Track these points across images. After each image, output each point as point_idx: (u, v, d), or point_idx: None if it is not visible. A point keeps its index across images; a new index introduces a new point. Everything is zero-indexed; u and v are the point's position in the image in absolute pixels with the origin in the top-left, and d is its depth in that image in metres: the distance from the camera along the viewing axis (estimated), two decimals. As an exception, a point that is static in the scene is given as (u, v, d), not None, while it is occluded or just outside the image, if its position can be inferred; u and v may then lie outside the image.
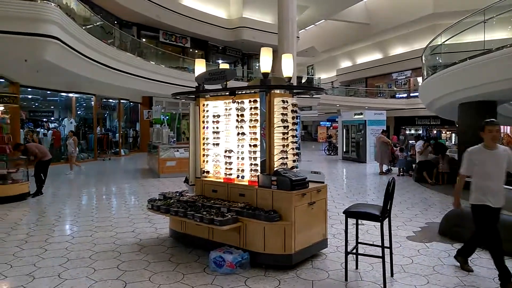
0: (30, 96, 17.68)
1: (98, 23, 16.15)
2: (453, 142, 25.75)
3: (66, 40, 11.00)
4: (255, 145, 4.67)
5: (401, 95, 34.85)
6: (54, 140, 16.06)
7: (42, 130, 16.89)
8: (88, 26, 14.45)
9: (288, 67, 4.76)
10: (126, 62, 16.79)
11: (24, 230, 6.04)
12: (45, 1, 9.98)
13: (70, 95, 17.76)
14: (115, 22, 20.93)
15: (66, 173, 12.70)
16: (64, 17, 10.71)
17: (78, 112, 19.80)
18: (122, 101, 21.44)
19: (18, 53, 10.39)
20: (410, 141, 16.99)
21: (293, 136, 4.73)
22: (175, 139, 14.12)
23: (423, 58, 12.88)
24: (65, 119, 17.67)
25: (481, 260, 4.63)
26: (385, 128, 16.31)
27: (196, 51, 26.87)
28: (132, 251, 4.97)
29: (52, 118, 19.69)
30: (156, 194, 5.65)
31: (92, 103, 18.94)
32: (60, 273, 4.19)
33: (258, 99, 4.59)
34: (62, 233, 5.91)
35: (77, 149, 14.08)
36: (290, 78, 4.78)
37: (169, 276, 4.10)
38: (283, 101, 4.61)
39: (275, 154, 4.53)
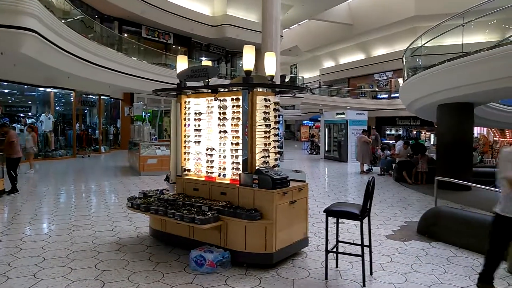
0: (6, 91, 17.15)
1: (78, 17, 15.79)
2: (432, 143, 26.34)
3: (44, 34, 10.70)
4: (237, 143, 4.65)
5: (382, 96, 35.37)
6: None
7: (18, 125, 16.38)
8: (68, 20, 14.10)
9: (271, 66, 4.75)
10: (107, 57, 16.46)
11: (-2, 229, 5.86)
12: (23, -7, 9.68)
13: (48, 90, 17.31)
14: (96, 16, 20.51)
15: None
16: (43, 9, 10.41)
17: (57, 108, 19.30)
18: (102, 97, 21.04)
19: (-6, 46, 10.06)
20: (390, 141, 17.28)
21: (275, 135, 4.73)
22: (156, 136, 13.98)
23: (404, 59, 13.10)
24: (43, 114, 17.21)
25: (458, 259, 4.74)
26: (366, 128, 16.50)
27: (179, 47, 26.60)
28: (111, 250, 4.88)
29: (30, 114, 19.14)
30: (136, 192, 5.56)
31: (72, 98, 18.51)
32: (36, 273, 4.08)
33: (241, 97, 4.56)
34: (38, 232, 5.76)
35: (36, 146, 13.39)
36: (272, 77, 4.77)
37: (148, 276, 4.04)
38: (266, 100, 4.60)
39: (257, 152, 4.53)
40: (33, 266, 4.28)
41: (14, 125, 15.97)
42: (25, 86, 16.37)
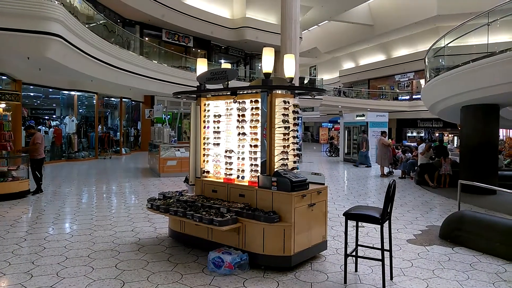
0: (32, 94, 17.71)
1: (101, 22, 16.16)
2: (455, 145, 25.68)
3: (69, 38, 11.00)
4: (255, 146, 4.65)
5: (403, 97, 34.78)
6: (55, 138, 16.06)
7: (43, 128, 16.89)
8: (91, 25, 14.44)
9: (290, 68, 4.73)
10: (129, 60, 16.79)
11: (24, 228, 6.04)
12: (48, -1, 9.99)
13: (72, 93, 17.78)
14: (118, 20, 20.95)
15: None
16: (68, 15, 10.71)
17: (80, 110, 19.82)
18: (124, 99, 21.46)
19: (21, 51, 10.38)
20: (411, 144, 16.89)
21: (294, 137, 4.71)
22: (176, 138, 14.12)
23: (426, 60, 12.84)
24: (67, 117, 17.68)
25: (481, 265, 4.59)
26: (385, 130, 16.23)
27: (199, 50, 26.87)
28: (131, 250, 4.95)
29: (54, 116, 19.71)
30: (156, 193, 5.65)
31: (94, 101, 18.96)
32: (59, 272, 4.18)
33: (260, 99, 4.56)
34: (61, 231, 5.90)
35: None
36: (292, 79, 4.76)
37: (167, 276, 4.08)
38: (285, 102, 4.58)
39: (275, 155, 4.51)
40: (56, 265, 4.39)
41: (39, 127, 16.49)
42: (50, 90, 16.85)
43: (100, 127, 20.00)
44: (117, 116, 22.26)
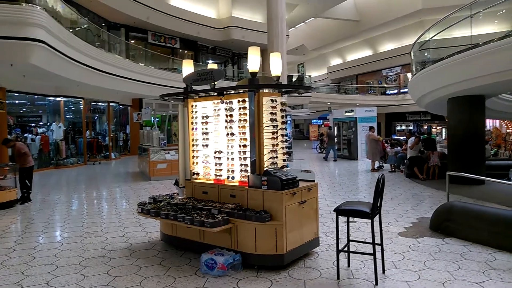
0: (17, 101, 17.41)
1: (85, 26, 15.96)
2: (443, 137, 26.00)
3: (53, 44, 10.84)
4: (244, 145, 4.64)
5: (391, 92, 35.06)
6: (43, 145, 15.83)
7: (30, 135, 16.63)
8: (75, 29, 14.26)
9: (276, 66, 4.73)
10: (115, 64, 16.61)
11: (12, 238, 5.94)
12: (31, 5, 9.81)
13: (58, 99, 17.52)
14: (103, 24, 20.71)
15: None
16: (51, 20, 10.55)
17: (67, 116, 19.53)
18: (111, 104, 21.24)
19: (4, 58, 10.20)
20: (400, 137, 17.05)
21: (282, 135, 4.71)
22: (165, 141, 14.02)
23: (412, 54, 12.96)
24: (54, 123, 17.44)
25: (471, 254, 4.65)
26: (373, 125, 16.35)
27: (186, 51, 26.71)
28: (123, 256, 4.91)
29: (41, 123, 19.40)
30: (147, 197, 5.59)
31: (81, 106, 18.73)
32: (49, 281, 4.12)
33: (247, 99, 4.55)
34: (51, 240, 5.82)
35: None
36: (278, 77, 4.75)
37: (160, 280, 4.05)
38: (272, 100, 4.58)
39: (265, 153, 4.51)
40: (47, 274, 4.33)
41: (25, 135, 16.24)
42: (36, 96, 16.60)
43: (88, 132, 19.77)
44: (105, 121, 22.02)
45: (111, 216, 7.35)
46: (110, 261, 4.70)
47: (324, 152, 23.09)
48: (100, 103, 21.19)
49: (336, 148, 18.68)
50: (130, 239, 5.68)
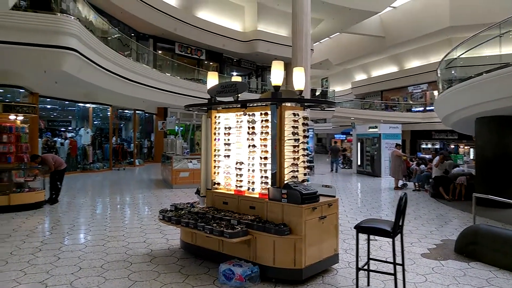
0: (48, 106, 18.12)
1: (115, 36, 16.54)
2: (471, 157, 25.23)
3: (84, 52, 11.29)
4: (265, 158, 4.67)
5: (417, 109, 34.45)
6: (71, 149, 16.36)
7: (59, 139, 17.22)
8: (106, 38, 14.80)
9: (299, 80, 4.77)
10: (142, 73, 17.10)
11: (39, 238, 6.14)
12: (65, 15, 10.29)
13: (87, 105, 18.13)
14: (132, 34, 21.40)
15: None
16: (83, 29, 11.01)
17: (95, 122, 20.16)
18: (137, 111, 21.78)
19: (38, 65, 10.70)
20: (426, 156, 16.65)
21: (304, 149, 4.72)
22: (188, 150, 14.23)
23: (438, 71, 12.75)
24: (82, 129, 18.01)
25: (498, 280, 4.49)
26: (399, 142, 16.08)
27: (211, 63, 27.20)
28: (143, 261, 4.99)
29: (70, 128, 20.09)
30: (168, 204, 5.69)
31: (109, 113, 19.29)
32: (72, 282, 4.23)
33: (269, 112, 4.60)
34: (75, 242, 5.99)
35: None
36: (301, 91, 4.79)
37: (178, 288, 4.10)
38: (294, 114, 4.61)
39: (285, 167, 4.53)
40: (70, 275, 4.45)
41: (55, 138, 16.82)
42: (66, 102, 17.23)
43: (114, 138, 20.29)
44: (131, 128, 22.57)
45: (133, 222, 7.49)
46: (131, 266, 4.78)
47: (346, 167, 22.94)
48: (126, 111, 21.76)
49: (339, 161, 21.53)
50: (151, 245, 5.77)
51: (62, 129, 19.82)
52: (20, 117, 9.39)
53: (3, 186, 8.32)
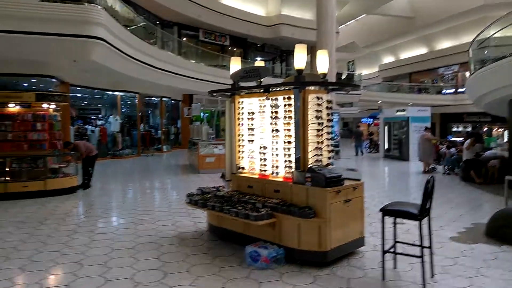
0: (79, 95, 18.69)
1: (141, 24, 16.75)
2: (505, 140, 24.24)
3: (111, 41, 11.53)
4: (289, 142, 4.68)
5: (447, 91, 33.24)
6: (101, 136, 16.90)
7: (90, 127, 17.80)
8: (131, 27, 15.03)
9: (323, 64, 4.72)
10: (168, 61, 17.31)
11: (74, 221, 6.45)
12: (92, 4, 10.52)
13: (116, 93, 18.57)
14: (157, 22, 21.60)
15: None
16: (110, 18, 11.23)
17: (123, 110, 20.65)
18: (164, 99, 22.12)
19: (68, 54, 11.03)
20: (457, 139, 16.17)
21: (328, 133, 4.69)
22: (214, 135, 14.41)
23: (470, 52, 12.23)
24: (111, 116, 18.51)
25: (531, 264, 4.36)
26: (428, 125, 15.62)
27: (235, 49, 27.13)
28: (172, 243, 5.16)
29: (99, 116, 20.69)
30: (195, 189, 5.84)
31: (136, 101, 19.71)
32: (106, 262, 4.44)
33: (293, 96, 4.59)
34: (108, 225, 6.26)
35: None
36: (325, 75, 4.74)
37: (206, 269, 4.22)
38: (318, 98, 4.58)
39: (309, 151, 4.52)
40: (104, 255, 4.67)
41: (86, 126, 17.39)
42: (95, 90, 17.72)
43: (142, 125, 20.75)
44: (157, 115, 23.01)
45: (162, 205, 7.72)
46: (161, 248, 4.96)
47: (373, 151, 22.58)
48: (153, 98, 22.15)
49: (363, 145, 21.73)
50: (179, 228, 5.94)
51: (92, 117, 20.44)
52: (53, 106, 9.77)
53: (39, 172, 8.73)
